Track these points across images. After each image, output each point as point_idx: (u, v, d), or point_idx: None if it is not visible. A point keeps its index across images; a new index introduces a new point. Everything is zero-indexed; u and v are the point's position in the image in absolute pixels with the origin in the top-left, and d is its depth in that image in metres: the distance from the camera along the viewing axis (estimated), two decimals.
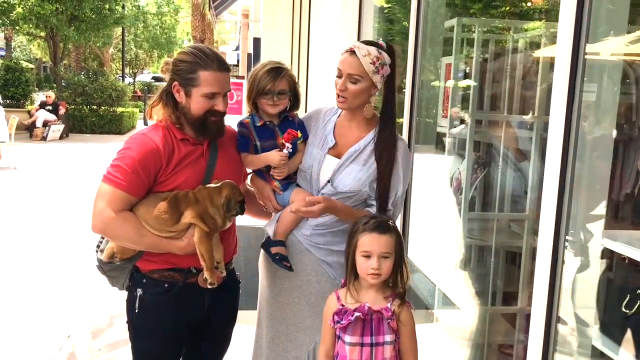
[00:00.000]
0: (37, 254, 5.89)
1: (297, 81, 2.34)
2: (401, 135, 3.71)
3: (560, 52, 1.64)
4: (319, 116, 2.34)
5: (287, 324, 2.32)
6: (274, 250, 2.23)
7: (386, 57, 2.15)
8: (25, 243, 6.25)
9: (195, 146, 2.14)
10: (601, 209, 2.54)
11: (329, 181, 2.22)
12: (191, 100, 2.08)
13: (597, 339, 2.45)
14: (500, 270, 3.65)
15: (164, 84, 2.20)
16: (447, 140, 4.17)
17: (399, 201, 2.23)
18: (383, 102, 2.24)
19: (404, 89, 3.76)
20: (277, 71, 2.23)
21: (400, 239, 2.00)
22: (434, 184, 4.23)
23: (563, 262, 1.75)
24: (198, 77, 2.06)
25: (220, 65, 2.09)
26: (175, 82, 2.10)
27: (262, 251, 2.45)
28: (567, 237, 2.63)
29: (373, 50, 2.13)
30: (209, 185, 2.10)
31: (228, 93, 2.16)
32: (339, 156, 2.24)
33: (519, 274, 3.40)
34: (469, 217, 3.89)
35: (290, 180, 2.31)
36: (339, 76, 2.17)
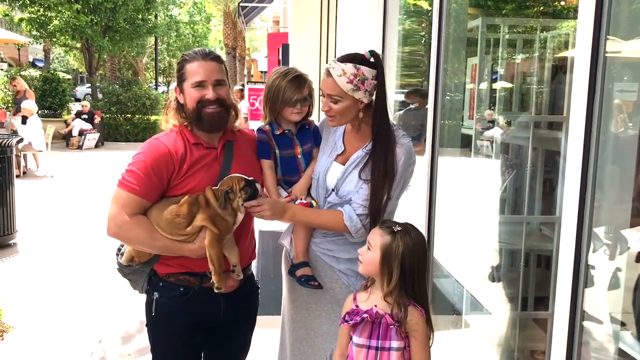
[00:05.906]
0: (72, 259, 6.03)
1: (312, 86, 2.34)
2: (425, 137, 3.65)
3: (580, 50, 1.60)
4: None
5: (306, 329, 2.32)
6: (299, 273, 2.22)
7: (366, 71, 2.05)
8: (61, 248, 6.41)
9: (208, 150, 2.15)
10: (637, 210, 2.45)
11: (333, 189, 2.20)
12: (185, 96, 2.13)
13: (633, 347, 2.37)
14: (531, 274, 3.56)
15: None
16: (484, 144, 4.10)
17: (388, 204, 2.15)
18: (373, 113, 2.14)
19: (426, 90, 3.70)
20: (300, 79, 2.25)
21: (406, 246, 1.90)
22: (460, 186, 4.16)
23: (587, 266, 1.69)
24: (185, 71, 2.13)
25: (203, 55, 2.13)
26: (176, 86, 2.18)
27: (283, 253, 2.45)
28: (604, 241, 2.55)
29: (349, 68, 2.04)
30: (214, 187, 2.09)
31: (224, 83, 2.15)
32: (345, 163, 2.20)
33: (549, 277, 3.32)
34: (501, 220, 3.81)
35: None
36: (323, 96, 2.14)
